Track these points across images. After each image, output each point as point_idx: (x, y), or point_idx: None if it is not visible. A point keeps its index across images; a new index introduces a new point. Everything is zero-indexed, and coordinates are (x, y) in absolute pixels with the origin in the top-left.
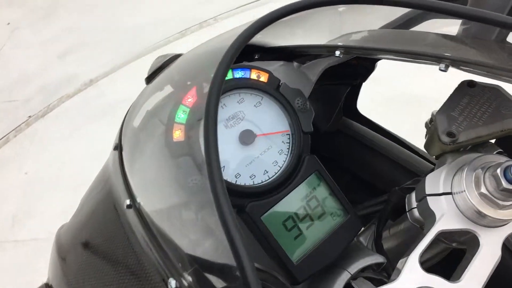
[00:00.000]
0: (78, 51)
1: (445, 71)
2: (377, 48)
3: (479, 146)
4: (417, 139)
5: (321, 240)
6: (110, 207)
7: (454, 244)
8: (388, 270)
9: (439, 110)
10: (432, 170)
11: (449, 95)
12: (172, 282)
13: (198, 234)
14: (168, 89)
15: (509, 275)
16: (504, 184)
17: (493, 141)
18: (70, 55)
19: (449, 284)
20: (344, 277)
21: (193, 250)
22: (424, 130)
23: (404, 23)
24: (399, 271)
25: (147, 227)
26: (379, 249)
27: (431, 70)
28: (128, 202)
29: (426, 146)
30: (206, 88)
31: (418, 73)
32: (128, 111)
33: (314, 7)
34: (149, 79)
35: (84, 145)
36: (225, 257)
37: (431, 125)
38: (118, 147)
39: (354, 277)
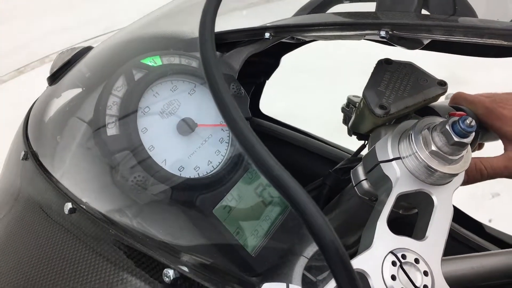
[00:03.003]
0: None
1: (385, 38)
2: (313, 23)
3: (402, 118)
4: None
5: (275, 227)
6: (38, 221)
7: (400, 211)
8: None
9: (366, 87)
10: (357, 153)
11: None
12: (170, 272)
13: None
14: (89, 82)
15: None
16: (455, 138)
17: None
18: None
19: (418, 242)
20: (302, 263)
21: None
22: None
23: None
24: (370, 240)
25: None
26: None
27: None
28: (70, 205)
29: (354, 125)
30: (138, 76)
31: None
32: (29, 116)
33: None
34: (54, 77)
35: None
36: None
37: (358, 105)
38: (30, 155)
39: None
